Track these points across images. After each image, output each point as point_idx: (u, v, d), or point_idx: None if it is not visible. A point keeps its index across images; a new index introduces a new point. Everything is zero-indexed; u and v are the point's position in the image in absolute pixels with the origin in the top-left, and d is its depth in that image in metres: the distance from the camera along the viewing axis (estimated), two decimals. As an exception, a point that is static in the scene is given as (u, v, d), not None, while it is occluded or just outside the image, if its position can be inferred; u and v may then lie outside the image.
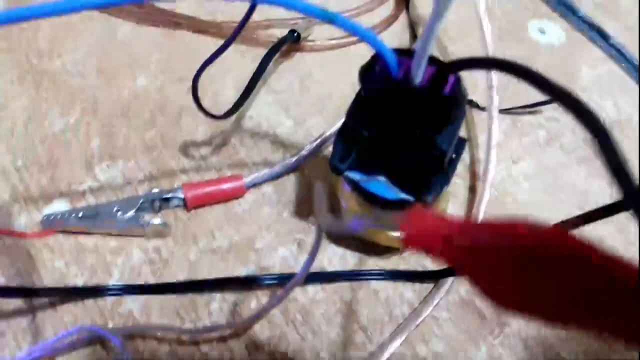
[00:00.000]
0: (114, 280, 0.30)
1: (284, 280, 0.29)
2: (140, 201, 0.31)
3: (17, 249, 0.31)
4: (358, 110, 0.25)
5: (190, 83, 0.36)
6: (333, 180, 0.30)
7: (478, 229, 0.12)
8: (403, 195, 0.25)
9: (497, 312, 0.11)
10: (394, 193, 0.26)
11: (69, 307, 0.29)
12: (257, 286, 0.29)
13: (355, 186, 0.26)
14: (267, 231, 0.32)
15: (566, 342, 0.29)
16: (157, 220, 0.30)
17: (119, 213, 0.30)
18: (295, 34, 0.36)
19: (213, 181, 0.32)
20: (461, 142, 0.26)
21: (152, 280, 0.30)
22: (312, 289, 0.30)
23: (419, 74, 0.22)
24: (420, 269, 0.30)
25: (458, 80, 0.23)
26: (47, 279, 0.30)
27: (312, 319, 0.29)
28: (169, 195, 0.31)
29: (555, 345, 0.29)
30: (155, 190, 0.32)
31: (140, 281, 0.30)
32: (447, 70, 0.22)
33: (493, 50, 0.35)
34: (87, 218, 0.30)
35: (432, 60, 0.23)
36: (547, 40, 0.40)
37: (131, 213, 0.31)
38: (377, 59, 0.23)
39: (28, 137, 0.35)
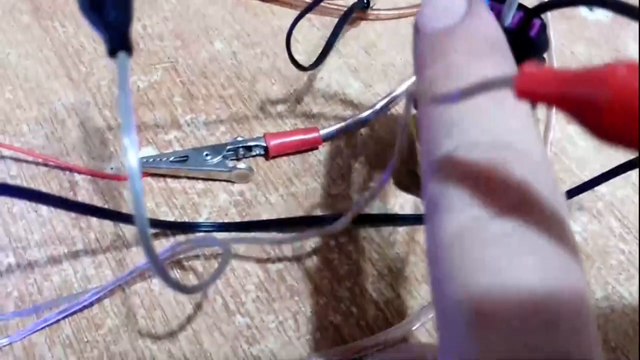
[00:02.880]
0: (202, 220, 0.32)
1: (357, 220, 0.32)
2: (227, 148, 0.33)
3: (110, 191, 0.33)
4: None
5: (262, 49, 0.39)
6: (410, 125, 0.32)
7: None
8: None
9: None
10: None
11: (161, 241, 0.32)
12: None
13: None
14: (340, 179, 0.34)
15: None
16: (242, 165, 0.33)
17: (208, 157, 0.33)
18: (365, 1, 0.38)
19: (293, 132, 0.34)
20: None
21: (238, 219, 0.32)
22: (386, 230, 0.32)
23: (509, 17, 0.25)
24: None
25: (543, 26, 0.25)
26: (141, 216, 0.32)
27: (387, 257, 0.31)
28: (252, 144, 0.33)
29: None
30: (240, 138, 0.34)
31: (227, 220, 0.32)
32: (532, 14, 0.25)
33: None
34: (177, 162, 0.33)
35: (520, 6, 0.25)
36: (594, 17, 0.43)
37: (218, 158, 0.33)
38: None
39: (114, 93, 0.37)
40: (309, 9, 0.32)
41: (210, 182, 0.33)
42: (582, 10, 0.43)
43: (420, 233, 0.32)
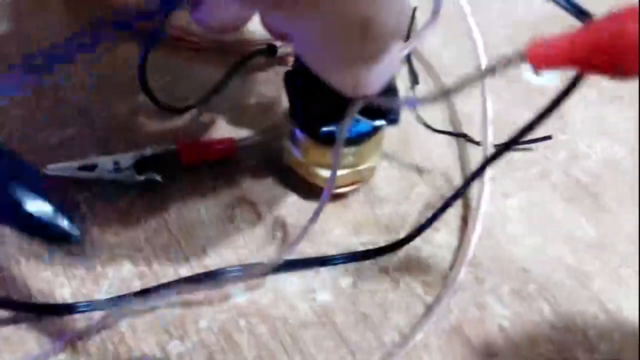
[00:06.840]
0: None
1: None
2: (139, 155, 0.33)
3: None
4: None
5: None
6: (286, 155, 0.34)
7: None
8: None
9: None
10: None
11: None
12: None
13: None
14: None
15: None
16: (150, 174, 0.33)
17: (116, 165, 0.33)
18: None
19: (207, 141, 0.35)
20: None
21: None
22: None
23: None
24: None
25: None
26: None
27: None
28: (162, 152, 0.34)
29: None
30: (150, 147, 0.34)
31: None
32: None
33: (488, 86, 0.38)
34: (86, 170, 0.33)
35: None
36: (540, 82, 0.43)
37: (129, 165, 0.33)
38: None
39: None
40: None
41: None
42: (527, 75, 0.43)
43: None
